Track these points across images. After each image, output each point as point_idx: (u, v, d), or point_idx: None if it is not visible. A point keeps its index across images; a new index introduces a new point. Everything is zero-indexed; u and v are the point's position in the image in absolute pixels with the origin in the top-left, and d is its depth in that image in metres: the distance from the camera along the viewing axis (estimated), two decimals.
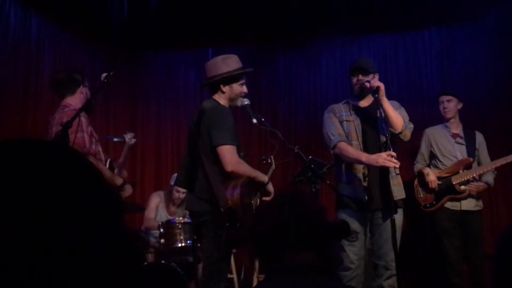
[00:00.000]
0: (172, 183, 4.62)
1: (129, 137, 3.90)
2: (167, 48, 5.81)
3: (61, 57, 4.96)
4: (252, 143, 5.38)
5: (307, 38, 5.54)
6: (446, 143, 4.14)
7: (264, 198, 2.96)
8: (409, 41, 5.36)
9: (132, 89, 5.78)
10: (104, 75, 2.92)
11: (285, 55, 5.72)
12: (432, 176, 4.04)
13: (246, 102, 3.07)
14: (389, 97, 4.90)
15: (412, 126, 3.31)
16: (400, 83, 5.29)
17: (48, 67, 4.79)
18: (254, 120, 3.04)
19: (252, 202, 2.89)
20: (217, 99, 2.95)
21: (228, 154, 2.71)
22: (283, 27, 5.35)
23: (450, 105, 4.12)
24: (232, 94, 2.96)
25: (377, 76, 3.37)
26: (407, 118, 3.33)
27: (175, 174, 4.63)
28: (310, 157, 3.41)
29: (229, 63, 2.97)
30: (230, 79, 2.94)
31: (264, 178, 2.94)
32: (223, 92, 2.95)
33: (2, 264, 0.48)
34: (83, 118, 3.04)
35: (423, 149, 4.24)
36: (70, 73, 3.30)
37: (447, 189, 4.00)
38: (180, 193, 4.50)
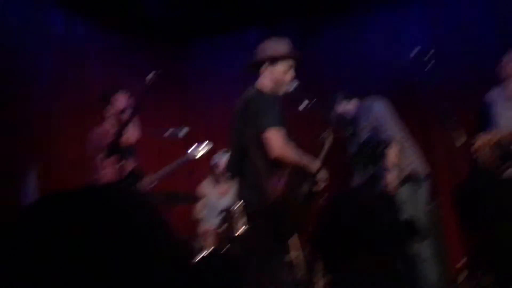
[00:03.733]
0: (212, 163, 4.76)
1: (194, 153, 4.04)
2: (211, 33, 5.78)
3: (108, 56, 5.06)
4: (301, 129, 5.28)
5: (352, 9, 5.32)
6: (500, 106, 3.92)
7: (316, 188, 2.85)
8: None
9: (180, 79, 5.82)
10: (149, 77, 2.95)
11: (330, 29, 5.53)
12: (479, 140, 3.83)
13: (294, 85, 3.00)
14: (442, 63, 4.58)
15: None
16: (451, 47, 4.96)
17: (97, 65, 4.89)
18: (303, 104, 2.97)
19: (302, 190, 2.78)
20: (261, 85, 2.89)
21: (275, 137, 2.62)
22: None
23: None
24: (275, 78, 2.88)
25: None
26: None
27: (215, 155, 4.78)
28: (365, 137, 3.34)
29: (277, 45, 2.92)
30: (275, 60, 2.87)
31: (314, 166, 2.81)
32: (268, 74, 2.88)
33: None
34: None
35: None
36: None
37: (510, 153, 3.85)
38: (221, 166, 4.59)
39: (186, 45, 5.90)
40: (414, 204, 3.45)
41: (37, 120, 4.25)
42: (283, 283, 2.73)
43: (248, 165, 2.76)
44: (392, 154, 3.47)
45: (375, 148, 3.09)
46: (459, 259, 4.47)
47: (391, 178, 3.46)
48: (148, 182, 3.73)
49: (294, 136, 2.85)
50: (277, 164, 2.66)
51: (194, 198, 4.44)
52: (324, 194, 2.80)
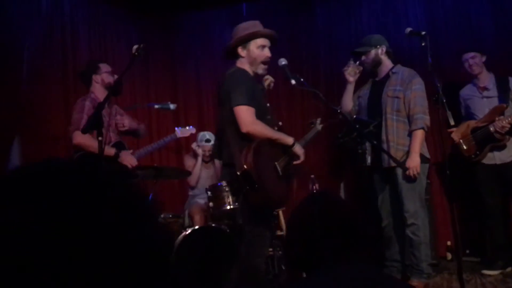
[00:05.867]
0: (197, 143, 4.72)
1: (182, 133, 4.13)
2: (200, 7, 5.66)
3: (95, 26, 4.94)
4: (295, 106, 5.22)
5: None
6: (475, 101, 4.22)
7: (294, 163, 2.90)
8: None
9: (169, 53, 5.71)
10: (134, 47, 2.87)
11: (323, 4, 5.44)
12: (454, 133, 4.17)
13: (283, 63, 2.99)
14: (438, 43, 4.50)
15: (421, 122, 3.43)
16: (448, 27, 4.92)
17: (84, 38, 4.79)
18: (293, 81, 2.94)
19: (277, 163, 2.79)
20: (239, 64, 2.92)
21: (243, 114, 2.69)
22: None
23: (475, 60, 4.16)
24: (250, 57, 2.90)
25: (380, 50, 3.63)
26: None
27: (200, 134, 4.76)
28: (354, 116, 3.29)
29: (247, 27, 2.92)
30: (244, 40, 2.90)
31: (288, 140, 2.85)
32: (242, 57, 2.91)
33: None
34: (88, 103, 3.45)
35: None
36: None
37: (487, 138, 4.05)
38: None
39: (176, 18, 5.78)
40: (413, 185, 3.43)
41: (21, 92, 4.15)
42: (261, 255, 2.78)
43: (224, 144, 2.80)
44: (419, 138, 3.43)
45: (365, 127, 3.04)
46: (447, 237, 4.54)
47: (416, 162, 3.39)
48: (134, 157, 3.68)
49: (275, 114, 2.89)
50: (248, 139, 2.69)
51: (182, 173, 4.39)
52: (300, 169, 2.79)
